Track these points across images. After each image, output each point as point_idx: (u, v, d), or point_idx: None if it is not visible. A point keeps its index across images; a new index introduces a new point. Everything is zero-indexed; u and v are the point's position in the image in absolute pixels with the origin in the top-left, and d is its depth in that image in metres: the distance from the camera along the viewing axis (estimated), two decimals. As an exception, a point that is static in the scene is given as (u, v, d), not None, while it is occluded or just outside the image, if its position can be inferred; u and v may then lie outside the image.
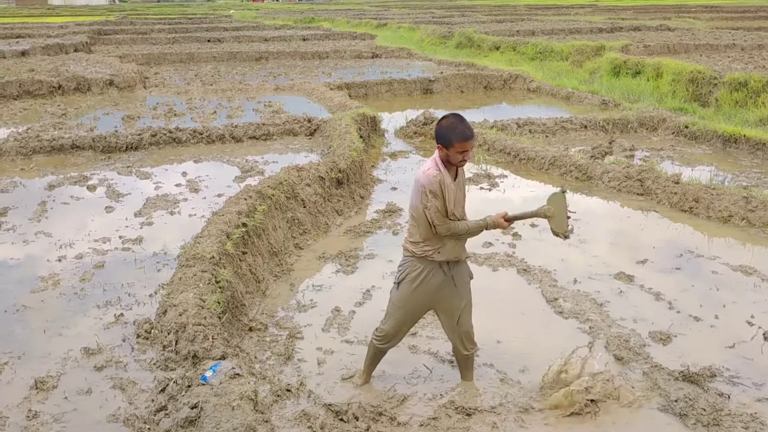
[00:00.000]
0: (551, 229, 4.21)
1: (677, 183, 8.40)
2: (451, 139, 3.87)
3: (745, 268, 6.43)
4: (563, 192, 4.15)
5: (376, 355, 4.57)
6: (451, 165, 4.01)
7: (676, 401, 4.32)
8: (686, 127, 11.94)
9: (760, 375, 4.68)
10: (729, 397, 4.41)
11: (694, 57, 19.45)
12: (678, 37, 24.63)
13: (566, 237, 4.20)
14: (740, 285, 6.12)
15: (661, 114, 12.80)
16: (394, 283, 4.33)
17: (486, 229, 4.13)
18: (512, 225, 4.07)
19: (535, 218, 4.23)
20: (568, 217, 4.14)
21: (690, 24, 31.91)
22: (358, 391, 4.54)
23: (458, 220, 4.10)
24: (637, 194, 8.66)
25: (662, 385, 4.51)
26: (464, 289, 4.31)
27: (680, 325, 5.39)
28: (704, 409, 4.21)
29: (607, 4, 57.27)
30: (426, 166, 4.03)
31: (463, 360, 4.56)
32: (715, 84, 14.73)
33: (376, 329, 4.48)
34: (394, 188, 9.25)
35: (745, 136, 10.95)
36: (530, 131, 12.09)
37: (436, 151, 4.02)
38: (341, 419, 4.16)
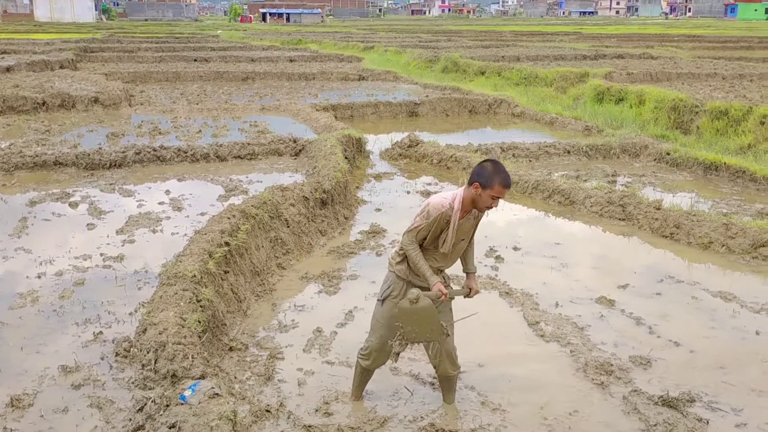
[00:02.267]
0: (399, 317, 4.12)
1: (659, 209, 8.49)
2: (493, 182, 3.93)
3: (725, 294, 6.48)
4: (443, 331, 4.11)
5: (363, 374, 4.57)
6: (473, 207, 4.08)
7: (655, 426, 4.33)
8: (668, 153, 12.08)
9: (738, 400, 4.70)
10: (708, 422, 4.42)
11: (676, 85, 19.73)
12: (660, 65, 25.00)
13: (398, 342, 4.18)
14: (719, 311, 6.17)
15: (644, 141, 12.94)
16: (378, 299, 4.35)
17: (426, 280, 4.14)
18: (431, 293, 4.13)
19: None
20: (419, 342, 4.16)
21: (672, 53, 32.38)
22: (338, 412, 4.51)
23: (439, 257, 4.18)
24: (619, 219, 8.73)
25: (642, 410, 4.52)
26: (445, 310, 4.33)
27: (660, 350, 5.42)
28: (683, 434, 4.23)
29: (591, 32, 58.08)
30: (444, 195, 4.07)
31: (446, 381, 4.56)
32: (697, 112, 14.94)
33: (361, 347, 4.49)
34: (379, 209, 9.26)
35: (725, 163, 11.09)
36: (514, 155, 12.18)
37: (463, 188, 4.07)
38: None
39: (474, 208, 4.10)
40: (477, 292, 4.34)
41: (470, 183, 4.02)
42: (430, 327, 4.08)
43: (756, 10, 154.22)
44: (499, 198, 4.02)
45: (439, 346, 4.34)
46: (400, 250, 4.23)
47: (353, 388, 4.67)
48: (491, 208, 4.09)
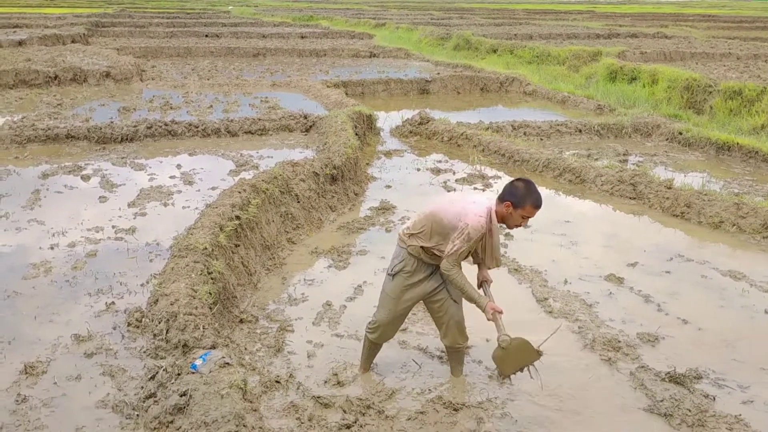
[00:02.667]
0: (497, 363, 4.19)
1: (669, 188, 8.46)
2: (525, 202, 3.98)
3: (735, 273, 6.48)
4: (539, 354, 4.11)
5: (371, 349, 4.62)
6: (501, 223, 4.09)
7: (662, 401, 4.36)
8: (680, 133, 12.00)
9: (745, 378, 4.72)
10: (714, 398, 4.45)
11: (690, 65, 19.55)
12: (674, 44, 24.75)
13: (502, 377, 4.33)
14: (729, 289, 6.17)
15: (656, 120, 12.86)
16: (389, 274, 4.36)
17: (475, 303, 4.15)
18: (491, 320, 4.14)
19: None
20: (520, 370, 4.16)
21: (687, 32, 32.05)
22: (347, 383, 4.55)
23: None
24: (630, 198, 8.71)
25: (649, 386, 4.54)
26: (454, 303, 4.39)
27: (668, 328, 5.43)
28: (689, 410, 4.25)
29: (604, 11, 57.47)
30: (479, 210, 4.00)
31: (454, 354, 4.60)
32: (710, 92, 14.81)
33: (369, 321, 4.53)
34: (389, 186, 9.27)
35: (738, 143, 11.02)
36: (525, 134, 12.14)
37: (494, 203, 4.06)
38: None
39: (502, 223, 4.12)
40: (491, 281, 4.39)
41: (501, 200, 4.04)
42: (527, 355, 4.12)
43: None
44: (529, 218, 4.07)
45: (448, 317, 4.37)
46: (414, 232, 4.21)
47: (362, 361, 4.71)
48: (520, 226, 4.14)
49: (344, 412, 4.19)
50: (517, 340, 4.06)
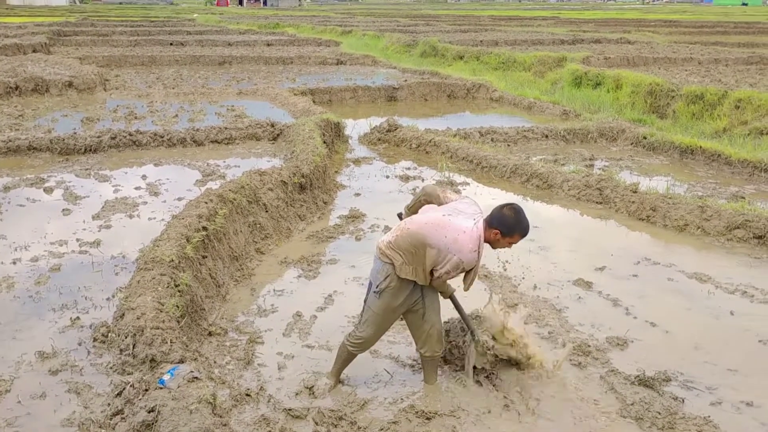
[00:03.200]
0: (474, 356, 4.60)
1: (635, 192, 8.56)
2: (514, 232, 4.13)
3: (700, 276, 6.57)
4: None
5: (347, 360, 4.58)
6: (487, 243, 4.19)
7: (632, 404, 4.39)
8: (644, 138, 12.17)
9: (713, 380, 4.78)
10: (683, 400, 4.49)
11: (652, 70, 19.84)
12: (637, 50, 25.11)
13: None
14: (695, 292, 6.26)
15: (621, 125, 13.03)
16: (374, 291, 4.30)
17: (442, 292, 4.46)
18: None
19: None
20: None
21: (649, 38, 32.55)
22: (318, 395, 4.51)
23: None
24: (596, 203, 8.80)
25: (618, 389, 4.58)
26: (429, 294, 4.40)
27: (637, 331, 5.48)
28: (659, 413, 4.29)
29: (569, 17, 58.19)
30: (470, 242, 4.00)
31: (430, 362, 4.58)
32: (673, 96, 15.06)
33: (352, 335, 4.48)
34: (358, 194, 9.25)
35: (701, 147, 11.21)
36: (492, 140, 12.21)
37: (482, 230, 4.07)
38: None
39: (487, 243, 4.21)
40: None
41: (490, 226, 4.10)
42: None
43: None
44: (514, 243, 4.23)
45: (429, 326, 4.40)
46: (397, 250, 4.19)
47: (333, 372, 4.66)
48: (503, 248, 4.29)
49: (316, 424, 4.16)
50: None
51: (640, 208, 8.33)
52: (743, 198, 8.93)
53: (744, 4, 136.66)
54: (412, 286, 4.29)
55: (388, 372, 4.82)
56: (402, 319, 4.61)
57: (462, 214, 4.14)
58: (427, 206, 4.38)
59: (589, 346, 5.19)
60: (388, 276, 4.22)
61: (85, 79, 16.73)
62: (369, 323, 4.39)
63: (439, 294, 4.45)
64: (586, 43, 28.39)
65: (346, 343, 4.51)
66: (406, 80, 18.55)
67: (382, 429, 4.16)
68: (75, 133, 11.23)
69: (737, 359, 5.08)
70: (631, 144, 12.35)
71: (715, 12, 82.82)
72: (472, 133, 12.38)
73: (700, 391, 4.63)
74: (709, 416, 4.29)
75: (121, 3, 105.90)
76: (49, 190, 8.77)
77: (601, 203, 8.77)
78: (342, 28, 37.37)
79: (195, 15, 60.03)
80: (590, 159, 11.11)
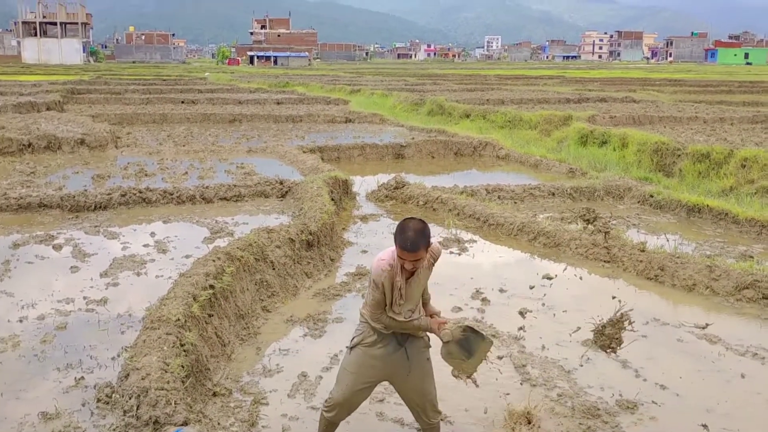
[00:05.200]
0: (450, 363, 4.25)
1: (643, 251, 8.54)
2: (396, 242, 3.81)
3: (710, 337, 6.50)
4: (489, 341, 4.12)
5: (327, 428, 4.36)
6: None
7: (643, 471, 4.30)
8: (651, 196, 12.20)
9: (726, 445, 4.69)
10: (696, 467, 4.40)
11: (658, 128, 20.03)
12: (643, 108, 25.41)
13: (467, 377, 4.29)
14: (705, 353, 6.18)
15: (627, 183, 13.08)
16: (347, 348, 4.25)
17: (423, 330, 4.10)
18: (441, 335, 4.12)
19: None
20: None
21: (654, 96, 32.96)
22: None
23: (400, 314, 4.03)
24: (604, 261, 8.77)
25: (629, 455, 4.48)
26: (419, 360, 4.21)
27: (647, 394, 5.40)
28: (671, 480, 4.20)
29: (574, 76, 59.04)
30: (382, 254, 3.94)
31: (429, 430, 4.46)
32: (679, 155, 15.15)
33: (326, 399, 4.33)
34: (365, 251, 9.26)
35: (708, 206, 11.21)
36: (499, 197, 12.26)
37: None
38: None
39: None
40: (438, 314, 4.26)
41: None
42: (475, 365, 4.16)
43: (735, 54, 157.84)
44: (405, 261, 3.82)
45: (419, 394, 4.26)
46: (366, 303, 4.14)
47: None
48: (408, 270, 3.90)
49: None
50: (461, 334, 4.02)
51: (648, 267, 8.29)
52: (752, 257, 8.89)
53: (748, 63, 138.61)
54: (392, 348, 4.12)
55: (394, 435, 4.74)
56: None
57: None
58: None
59: (598, 409, 5.11)
60: (361, 332, 4.16)
61: (97, 137, 16.99)
62: (339, 381, 4.24)
63: (428, 360, 4.26)
64: (592, 102, 28.75)
65: (322, 409, 4.33)
66: (413, 138, 18.76)
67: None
68: (86, 190, 11.36)
69: (749, 423, 4.98)
70: (638, 202, 12.37)
71: (720, 71, 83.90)
72: (479, 190, 12.44)
73: (712, 457, 4.54)
74: (722, 483, 4.19)
75: (134, 62, 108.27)
76: (57, 247, 8.83)
77: (608, 262, 8.74)
78: (351, 87, 38.02)
79: (206, 74, 61.25)
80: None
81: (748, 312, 7.20)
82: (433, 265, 4.08)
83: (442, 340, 4.02)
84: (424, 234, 3.76)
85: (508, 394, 5.34)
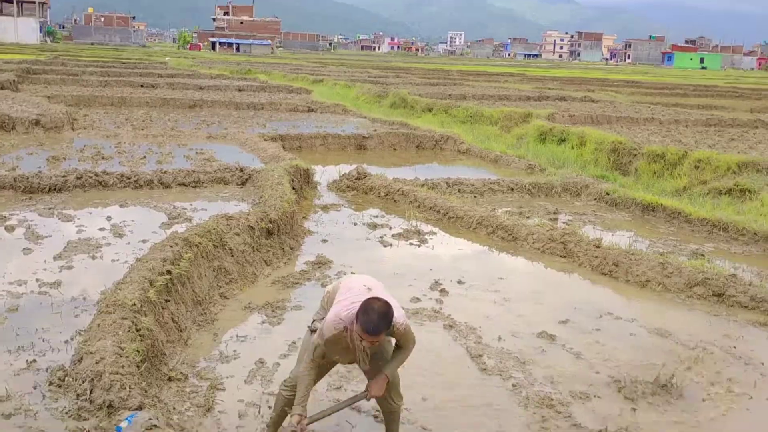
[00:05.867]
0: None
1: (598, 247, 8.70)
2: (358, 320, 3.74)
3: (661, 331, 6.66)
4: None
5: (283, 410, 4.31)
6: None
7: (594, 460, 4.39)
8: (607, 193, 12.42)
9: (674, 435, 4.82)
10: (644, 456, 4.51)
11: (615, 128, 20.38)
12: (601, 108, 25.83)
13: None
14: (657, 347, 6.33)
15: (584, 180, 13.29)
16: (308, 327, 4.25)
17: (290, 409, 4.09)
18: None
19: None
20: None
21: (612, 97, 33.53)
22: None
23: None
24: (560, 256, 8.91)
25: (581, 444, 4.58)
26: (379, 351, 4.18)
27: (599, 385, 5.51)
28: (621, 468, 4.30)
29: (535, 74, 59.66)
30: (342, 310, 3.88)
31: (390, 415, 4.46)
32: (635, 155, 15.46)
33: (285, 379, 4.32)
34: (325, 240, 9.24)
35: (662, 205, 11.47)
36: (459, 191, 12.35)
37: (352, 314, 3.84)
38: None
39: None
40: (376, 396, 4.15)
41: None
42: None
43: (691, 59, 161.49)
44: (363, 339, 3.76)
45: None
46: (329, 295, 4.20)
47: (272, 425, 4.41)
48: (365, 348, 3.83)
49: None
50: None
51: (603, 262, 8.45)
52: (703, 256, 9.12)
53: (703, 68, 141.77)
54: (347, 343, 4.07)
55: (350, 423, 4.76)
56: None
57: (371, 296, 3.88)
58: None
59: (552, 399, 5.20)
60: (320, 317, 4.20)
61: (53, 118, 16.59)
62: (300, 361, 4.26)
63: (389, 345, 4.26)
64: (552, 100, 29.11)
65: (280, 389, 4.32)
66: (375, 130, 18.77)
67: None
68: (40, 171, 11.10)
69: (697, 415, 5.12)
70: (595, 199, 12.59)
71: (676, 74, 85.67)
72: (440, 183, 12.52)
73: (660, 447, 4.66)
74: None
75: (93, 44, 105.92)
76: (10, 229, 8.62)
77: (564, 257, 8.89)
78: (313, 77, 37.84)
79: (167, 58, 60.25)
80: (554, 213, 11.28)
81: (698, 308, 7.39)
82: (396, 335, 4.07)
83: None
84: (386, 318, 3.74)
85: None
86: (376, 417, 4.79)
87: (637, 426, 4.89)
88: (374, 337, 3.74)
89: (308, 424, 4.02)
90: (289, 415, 4.01)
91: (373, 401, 4.59)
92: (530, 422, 4.89)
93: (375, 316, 3.70)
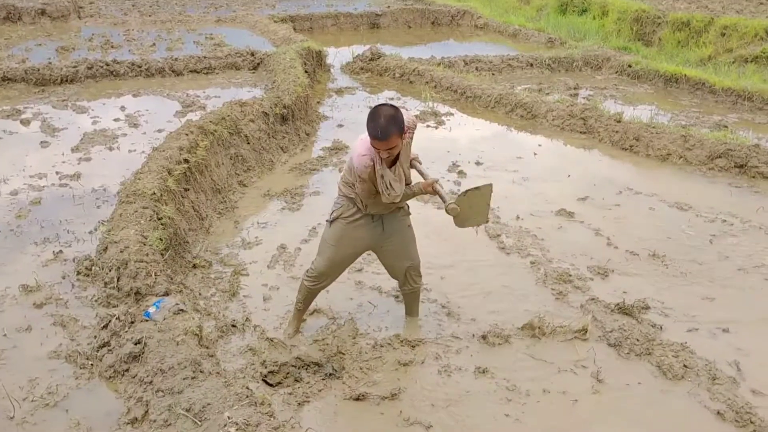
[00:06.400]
0: (457, 223, 4.06)
1: (619, 122, 8.54)
2: (368, 130, 3.63)
3: (681, 205, 6.62)
4: (489, 186, 4.00)
5: (307, 298, 4.40)
6: None
7: (611, 332, 4.48)
8: (629, 66, 12.08)
9: (691, 307, 4.88)
10: (661, 327, 4.59)
11: (639, -4, 19.51)
12: (624, -25, 24.64)
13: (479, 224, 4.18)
14: (676, 220, 6.32)
15: (606, 53, 12.90)
16: (327, 221, 4.24)
17: (415, 195, 4.02)
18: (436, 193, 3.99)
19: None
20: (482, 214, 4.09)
21: (636, -37, 31.94)
22: (303, 325, 4.55)
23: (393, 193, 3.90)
24: (580, 132, 8.78)
25: (599, 317, 4.66)
26: (399, 228, 4.21)
27: (618, 260, 5.55)
28: (638, 339, 4.39)
29: (555, -59, 56.80)
30: (360, 148, 3.77)
31: (410, 294, 4.56)
32: (659, 23, 14.87)
33: (308, 269, 4.34)
34: (341, 125, 9.15)
35: (685, 75, 11.14)
36: (477, 69, 12.07)
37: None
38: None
39: None
40: (418, 160, 4.12)
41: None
42: (481, 215, 4.07)
43: None
44: (378, 150, 3.66)
45: (403, 258, 4.31)
46: (344, 181, 4.08)
47: (293, 316, 4.50)
48: (385, 158, 3.75)
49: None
50: (463, 200, 3.91)
51: (623, 137, 8.32)
52: (726, 127, 8.94)
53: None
54: (371, 222, 4.12)
55: (371, 303, 4.87)
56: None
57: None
58: None
59: (570, 275, 5.25)
60: (341, 206, 4.13)
61: (59, 7, 16.22)
62: (320, 252, 4.26)
63: (409, 227, 4.27)
64: (573, -32, 27.77)
65: (303, 279, 4.36)
66: (389, 6, 18.16)
67: (367, 359, 4.22)
68: (50, 62, 10.95)
69: (715, 287, 5.18)
70: (616, 72, 12.26)
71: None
72: (457, 62, 12.21)
73: (677, 318, 4.73)
74: (685, 342, 4.39)
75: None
76: (26, 122, 8.60)
77: (584, 133, 8.75)
78: (323, -48, 36.25)
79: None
80: (575, 88, 11.02)
81: (719, 180, 7.31)
82: (411, 138, 4.00)
83: (450, 214, 3.97)
84: (395, 120, 3.57)
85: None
86: (396, 297, 4.89)
87: (653, 297, 4.95)
88: (385, 142, 3.58)
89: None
90: (429, 183, 3.93)
91: (394, 282, 4.66)
92: (549, 298, 4.96)
93: (382, 120, 3.54)
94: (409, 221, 4.30)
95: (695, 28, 13.96)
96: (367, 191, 3.91)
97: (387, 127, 3.55)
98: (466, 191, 3.92)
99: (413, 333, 4.50)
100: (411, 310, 4.66)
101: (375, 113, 3.57)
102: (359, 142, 3.82)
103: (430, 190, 3.94)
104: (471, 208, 3.98)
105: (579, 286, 5.12)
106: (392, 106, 3.64)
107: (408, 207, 4.28)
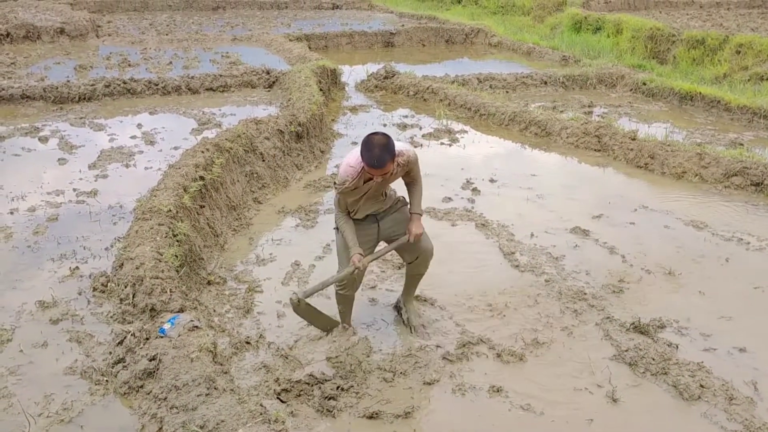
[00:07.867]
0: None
1: (634, 139, 8.52)
2: (363, 159, 3.83)
3: (697, 223, 6.59)
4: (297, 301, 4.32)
5: (345, 302, 4.59)
6: None
7: (626, 351, 4.45)
8: (644, 83, 12.07)
9: (707, 326, 4.83)
10: (677, 347, 4.55)
11: (653, 13, 19.57)
12: (638, -7, 24.69)
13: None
14: (691, 239, 6.28)
15: (620, 71, 12.89)
16: (334, 229, 4.42)
17: (342, 234, 4.28)
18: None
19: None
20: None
21: (650, -19, 31.98)
22: (318, 341, 4.56)
23: (353, 215, 4.26)
24: (595, 150, 8.77)
25: (614, 336, 4.63)
26: (390, 214, 4.40)
27: (633, 278, 5.52)
28: (653, 359, 4.35)
29: (569, -41, 57.01)
30: (352, 157, 4.00)
31: (413, 278, 4.68)
32: (674, 41, 14.87)
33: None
34: (355, 142, 9.19)
35: (700, 93, 11.11)
36: (491, 86, 12.10)
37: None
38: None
39: None
40: (417, 235, 4.29)
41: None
42: (320, 319, 4.56)
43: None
44: (374, 175, 3.89)
45: (417, 252, 4.44)
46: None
47: (342, 317, 4.68)
48: (377, 181, 3.98)
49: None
50: (303, 305, 4.34)
51: (638, 155, 8.30)
52: (742, 145, 8.90)
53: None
54: (371, 221, 4.35)
55: (385, 321, 4.86)
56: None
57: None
58: None
59: (585, 293, 5.23)
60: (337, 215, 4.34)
61: (77, 26, 16.45)
62: (340, 262, 4.45)
63: (403, 209, 4.46)
64: (587, -13, 27.88)
65: (336, 289, 4.54)
66: (403, 25, 18.29)
67: (381, 377, 4.21)
68: (68, 81, 11.09)
69: (732, 306, 5.13)
70: (631, 90, 12.25)
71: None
72: (471, 79, 12.26)
73: (694, 338, 4.69)
74: (702, 362, 4.35)
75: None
76: (44, 140, 8.71)
77: (599, 151, 8.74)
78: (338, -28, 36.60)
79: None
80: (589, 106, 11.02)
81: (735, 199, 7.27)
82: (404, 170, 4.20)
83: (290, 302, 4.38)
84: (387, 148, 3.79)
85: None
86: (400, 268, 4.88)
87: (669, 316, 4.91)
88: (380, 170, 3.82)
89: (367, 263, 4.29)
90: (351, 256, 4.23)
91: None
92: (563, 316, 4.94)
93: (377, 150, 3.78)
94: (406, 211, 4.45)
95: (710, 46, 13.95)
96: (339, 203, 4.19)
97: (382, 156, 3.79)
98: (314, 309, 4.49)
99: (427, 351, 4.49)
100: (408, 292, 4.78)
101: (369, 143, 3.80)
102: (350, 154, 4.06)
103: (355, 260, 4.21)
104: (311, 315, 4.51)
105: (594, 305, 5.09)
106: (384, 134, 3.85)
107: (404, 198, 4.47)
